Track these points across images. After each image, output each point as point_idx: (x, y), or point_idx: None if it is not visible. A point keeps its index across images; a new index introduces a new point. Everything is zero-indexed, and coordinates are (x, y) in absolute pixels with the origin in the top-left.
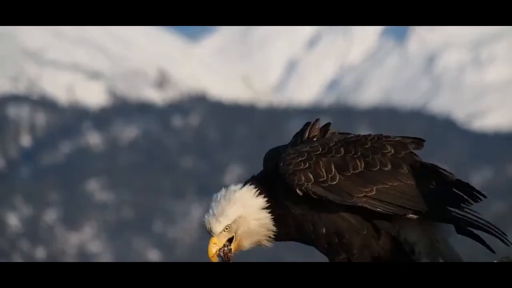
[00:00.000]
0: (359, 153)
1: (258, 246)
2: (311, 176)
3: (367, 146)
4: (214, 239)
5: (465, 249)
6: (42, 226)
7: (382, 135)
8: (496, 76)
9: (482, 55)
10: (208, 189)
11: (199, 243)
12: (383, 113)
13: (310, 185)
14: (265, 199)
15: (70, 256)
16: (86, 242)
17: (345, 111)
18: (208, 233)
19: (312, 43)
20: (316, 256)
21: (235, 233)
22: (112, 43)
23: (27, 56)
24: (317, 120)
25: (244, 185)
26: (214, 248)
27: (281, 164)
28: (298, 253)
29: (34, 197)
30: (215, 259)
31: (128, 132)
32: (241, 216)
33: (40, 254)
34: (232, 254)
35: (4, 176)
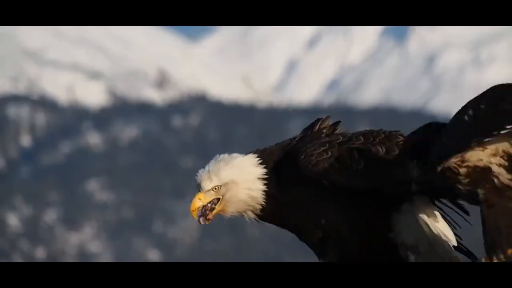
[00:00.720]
0: (377, 140)
1: (240, 215)
2: (335, 163)
3: (382, 135)
4: (200, 195)
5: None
6: (42, 226)
7: (391, 131)
8: (496, 76)
9: (482, 55)
10: None
11: (199, 243)
12: (383, 113)
13: (333, 172)
14: (265, 170)
15: (70, 256)
16: (86, 242)
17: (345, 111)
18: (197, 188)
19: (312, 43)
20: (315, 256)
21: (222, 196)
22: (112, 43)
23: (27, 56)
24: (327, 116)
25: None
26: (198, 203)
27: (302, 156)
28: (298, 253)
29: (34, 197)
30: (195, 215)
31: (128, 132)
32: (233, 181)
33: (40, 254)
34: (212, 216)
35: (4, 176)
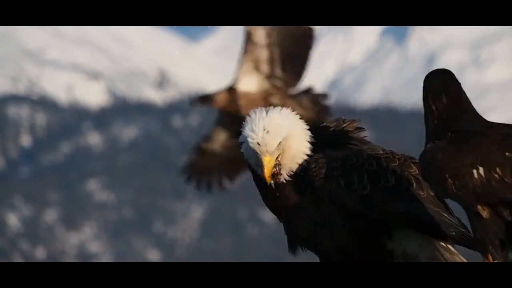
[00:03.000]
0: (390, 168)
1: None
2: (342, 183)
3: (396, 163)
4: (267, 159)
5: (464, 249)
6: (42, 226)
7: (406, 157)
8: (496, 76)
9: (482, 55)
10: None
11: (199, 243)
12: (383, 113)
13: (339, 192)
14: (307, 126)
15: (70, 256)
16: (86, 242)
17: (345, 111)
18: (256, 154)
19: None
20: (316, 256)
21: (283, 150)
22: (112, 43)
23: (27, 56)
24: (356, 120)
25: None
26: (271, 169)
27: (313, 165)
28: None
29: (34, 197)
30: (270, 180)
31: (128, 132)
32: (289, 133)
33: (40, 254)
34: (281, 171)
35: (4, 176)
